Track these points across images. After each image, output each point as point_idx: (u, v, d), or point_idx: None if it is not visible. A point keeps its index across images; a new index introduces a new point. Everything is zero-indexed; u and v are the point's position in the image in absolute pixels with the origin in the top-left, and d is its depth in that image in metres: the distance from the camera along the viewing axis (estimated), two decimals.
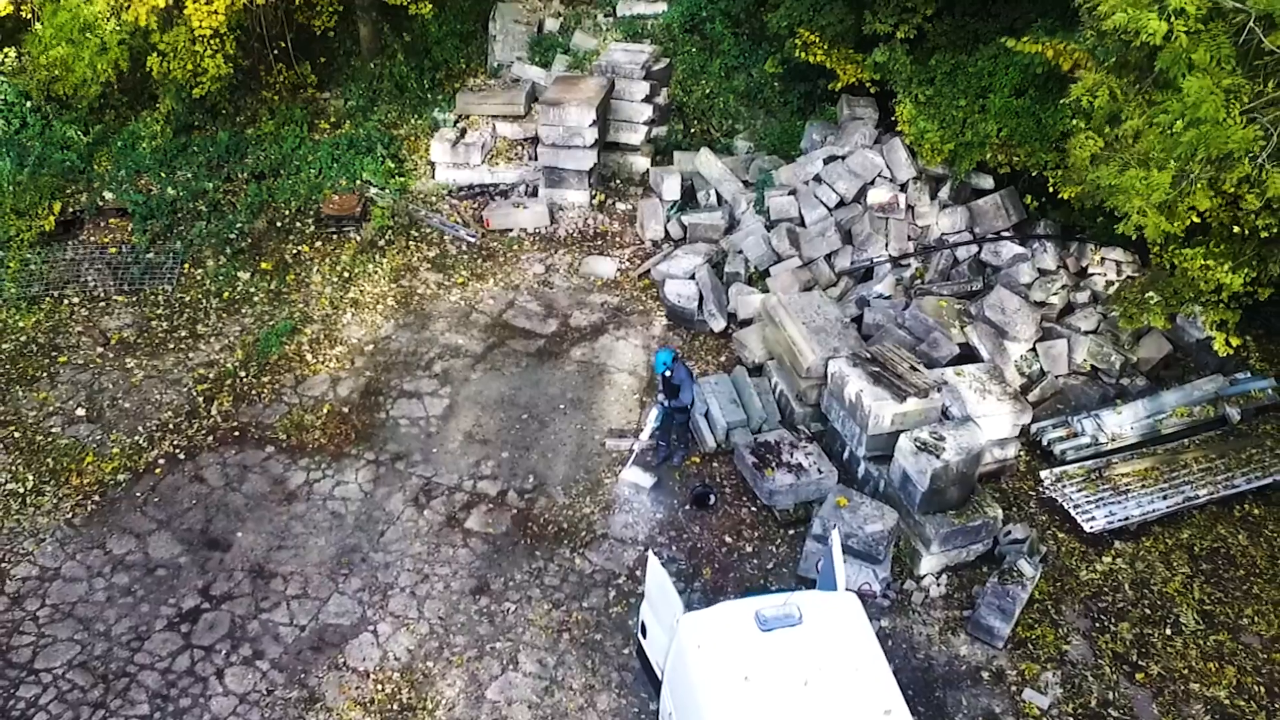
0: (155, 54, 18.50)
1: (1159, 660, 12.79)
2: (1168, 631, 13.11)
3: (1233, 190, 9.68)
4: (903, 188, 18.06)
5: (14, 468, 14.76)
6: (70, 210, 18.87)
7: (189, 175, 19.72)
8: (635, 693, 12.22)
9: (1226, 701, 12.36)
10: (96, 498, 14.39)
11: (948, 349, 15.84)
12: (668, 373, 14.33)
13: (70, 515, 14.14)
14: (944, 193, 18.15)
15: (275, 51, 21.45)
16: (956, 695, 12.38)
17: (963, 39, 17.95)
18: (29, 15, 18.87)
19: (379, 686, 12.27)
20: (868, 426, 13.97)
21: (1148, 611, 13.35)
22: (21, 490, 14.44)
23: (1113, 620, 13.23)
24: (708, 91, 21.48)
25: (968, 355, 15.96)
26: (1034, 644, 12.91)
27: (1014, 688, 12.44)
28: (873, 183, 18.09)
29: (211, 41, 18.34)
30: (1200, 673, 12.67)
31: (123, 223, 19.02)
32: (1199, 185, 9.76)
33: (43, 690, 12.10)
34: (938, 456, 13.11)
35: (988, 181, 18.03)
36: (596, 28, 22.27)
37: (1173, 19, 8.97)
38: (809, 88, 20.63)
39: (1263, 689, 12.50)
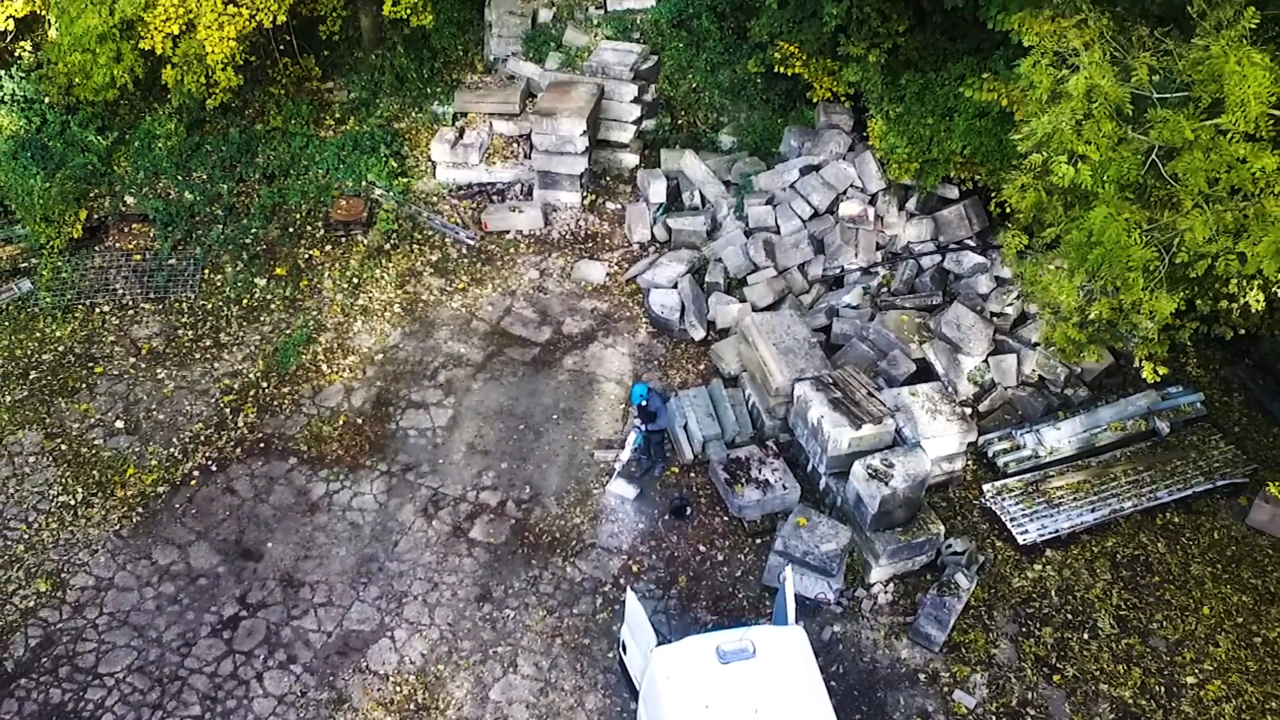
0: (170, 66, 19.50)
1: (1075, 663, 14.67)
2: (1085, 636, 14.96)
3: (1127, 311, 11.06)
4: (872, 199, 19.32)
5: (64, 480, 16.48)
6: (95, 216, 20.13)
7: (204, 176, 20.95)
8: (618, 693, 14.15)
9: (1130, 701, 14.28)
10: (140, 509, 16.13)
11: (906, 366, 17.37)
12: (644, 403, 15.95)
13: (118, 527, 15.90)
14: (911, 203, 19.40)
15: (281, 46, 22.39)
16: (896, 695, 14.30)
17: (933, 57, 18.93)
18: (42, 10, 19.75)
19: (397, 688, 14.21)
20: (827, 449, 15.60)
21: (1069, 617, 15.18)
22: (73, 502, 16.17)
23: (1038, 625, 15.07)
24: (694, 86, 22.49)
25: (925, 370, 17.49)
26: (967, 648, 14.78)
27: (946, 689, 14.36)
28: (845, 193, 19.34)
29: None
30: (1110, 674, 14.56)
31: (145, 228, 20.32)
32: (1101, 299, 11.16)
33: (107, 693, 14.04)
34: (886, 484, 14.79)
35: (953, 192, 19.29)
36: (588, 22, 23.10)
37: (1079, 163, 10.26)
38: (790, 85, 21.59)
39: (1163, 689, 14.41)
